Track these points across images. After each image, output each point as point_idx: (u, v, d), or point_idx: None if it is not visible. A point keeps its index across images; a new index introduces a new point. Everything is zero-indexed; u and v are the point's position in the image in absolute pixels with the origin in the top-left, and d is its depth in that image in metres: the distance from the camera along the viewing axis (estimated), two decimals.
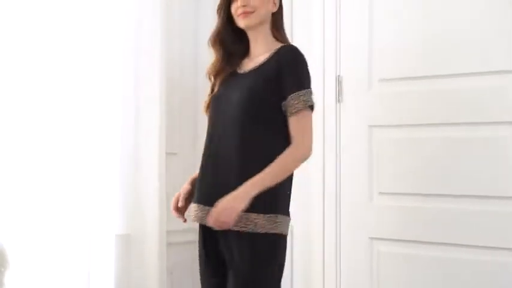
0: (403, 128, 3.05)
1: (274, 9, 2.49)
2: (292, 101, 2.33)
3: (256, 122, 2.33)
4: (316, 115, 3.03)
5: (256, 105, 2.34)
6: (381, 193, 3.10)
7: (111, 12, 3.32)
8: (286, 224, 2.37)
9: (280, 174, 2.30)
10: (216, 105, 2.46)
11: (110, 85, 3.31)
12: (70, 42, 3.15)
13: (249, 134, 2.33)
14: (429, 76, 2.98)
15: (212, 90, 2.53)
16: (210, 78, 2.56)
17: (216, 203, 2.27)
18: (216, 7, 2.54)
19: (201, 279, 2.55)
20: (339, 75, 3.21)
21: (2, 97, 2.95)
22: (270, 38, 2.49)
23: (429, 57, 2.98)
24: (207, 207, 2.36)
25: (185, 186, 2.61)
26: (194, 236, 3.66)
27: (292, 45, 2.45)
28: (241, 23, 2.45)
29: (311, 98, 2.36)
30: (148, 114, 3.38)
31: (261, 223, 2.28)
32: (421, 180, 2.99)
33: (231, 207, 2.24)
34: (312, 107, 2.37)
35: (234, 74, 2.49)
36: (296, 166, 2.35)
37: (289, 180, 2.38)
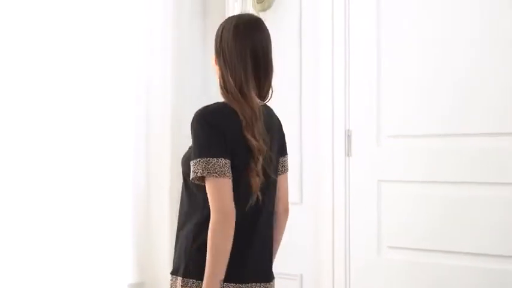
0: (412, 184, 3.10)
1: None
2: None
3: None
4: (326, 168, 3.12)
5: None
6: (389, 247, 3.16)
7: (123, 49, 3.40)
8: None
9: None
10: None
11: (123, 127, 3.40)
12: (84, 80, 3.22)
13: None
14: (437, 134, 3.04)
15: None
16: None
17: None
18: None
19: None
20: (348, 130, 3.27)
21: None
22: None
23: (438, 116, 3.04)
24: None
25: None
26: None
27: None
28: None
29: (198, 168, 2.14)
30: (159, 162, 3.45)
31: None
32: (428, 235, 3.05)
33: None
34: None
35: None
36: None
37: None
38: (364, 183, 3.22)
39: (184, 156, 2.29)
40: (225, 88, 2.26)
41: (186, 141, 3.65)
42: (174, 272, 2.25)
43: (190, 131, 2.20)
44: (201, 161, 2.13)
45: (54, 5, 3.10)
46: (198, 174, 2.13)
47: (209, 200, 2.13)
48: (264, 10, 3.62)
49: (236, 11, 3.53)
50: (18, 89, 2.98)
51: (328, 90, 3.33)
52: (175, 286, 2.21)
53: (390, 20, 3.19)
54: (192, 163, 2.15)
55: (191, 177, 2.15)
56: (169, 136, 3.46)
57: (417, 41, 3.10)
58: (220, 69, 2.29)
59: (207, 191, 2.13)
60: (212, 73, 3.71)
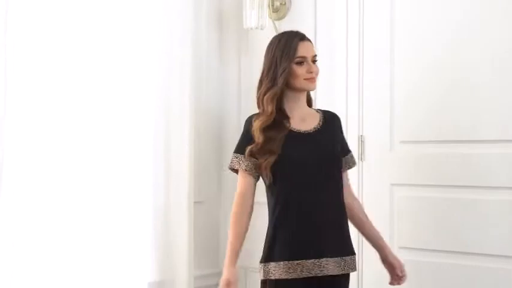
0: (423, 188, 3.24)
1: None
2: (351, 158, 2.80)
3: (337, 172, 2.70)
4: None
5: (334, 162, 2.69)
6: (400, 247, 3.28)
7: (142, 67, 3.50)
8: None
9: None
10: (302, 165, 2.63)
11: (142, 136, 3.50)
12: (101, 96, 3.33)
13: (332, 188, 2.66)
14: (448, 140, 3.18)
15: (262, 147, 2.62)
16: (257, 137, 2.64)
17: None
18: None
19: None
20: (361, 135, 3.40)
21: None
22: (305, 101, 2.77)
23: (448, 122, 3.17)
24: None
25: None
26: (215, 280, 3.85)
27: (334, 112, 2.83)
28: (309, 86, 2.69)
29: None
30: (178, 166, 3.56)
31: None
32: (439, 237, 3.18)
33: None
34: None
35: (291, 133, 2.66)
36: None
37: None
38: (377, 186, 3.35)
39: (331, 148, 2.70)
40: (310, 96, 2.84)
41: (204, 146, 3.79)
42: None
43: (339, 127, 2.78)
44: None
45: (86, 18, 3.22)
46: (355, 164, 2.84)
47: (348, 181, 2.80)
48: (279, 19, 3.76)
49: (253, 21, 3.66)
50: (46, 94, 3.11)
51: (343, 97, 3.47)
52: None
53: (404, 28, 3.32)
54: (351, 154, 2.79)
55: (351, 166, 2.79)
56: (188, 142, 3.57)
57: (430, 49, 3.23)
58: None
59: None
60: (229, 84, 3.87)
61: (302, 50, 2.64)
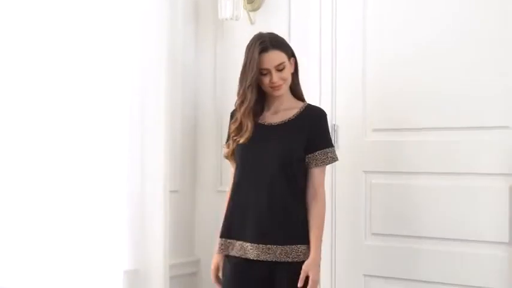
0: (395, 175, 3.30)
1: (292, 70, 2.82)
2: (319, 155, 2.75)
3: (288, 168, 2.72)
4: None
5: (290, 155, 2.72)
6: (373, 234, 3.35)
7: (116, 56, 3.52)
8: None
9: (322, 230, 2.78)
10: (250, 153, 2.77)
11: (118, 126, 3.52)
12: (77, 87, 3.34)
13: (280, 179, 2.71)
14: (419, 128, 3.24)
15: (233, 139, 2.82)
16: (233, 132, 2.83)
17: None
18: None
19: None
20: (334, 124, 3.45)
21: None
22: (290, 95, 2.85)
23: (420, 110, 3.23)
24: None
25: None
26: (191, 269, 3.89)
27: (321, 109, 2.87)
28: (276, 93, 2.78)
29: (336, 155, 2.79)
30: (154, 155, 3.57)
31: None
32: (410, 222, 3.25)
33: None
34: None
35: (260, 126, 2.80)
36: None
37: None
38: (351, 174, 3.40)
39: (289, 140, 2.75)
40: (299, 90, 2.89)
41: (179, 135, 3.81)
42: None
43: (316, 121, 2.78)
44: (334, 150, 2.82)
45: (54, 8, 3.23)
46: (335, 160, 2.81)
47: (320, 185, 2.77)
48: (254, 10, 3.79)
49: (228, 12, 3.69)
50: (14, 90, 3.12)
51: (316, 87, 3.51)
52: None
53: (376, 18, 3.37)
54: (330, 149, 2.77)
55: (328, 163, 2.77)
56: (163, 131, 3.59)
57: (403, 38, 3.29)
58: (293, 72, 2.82)
59: (321, 177, 2.78)
60: (205, 75, 3.90)
61: (264, 62, 2.73)
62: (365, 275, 3.37)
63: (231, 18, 3.72)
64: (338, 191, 3.44)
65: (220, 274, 2.85)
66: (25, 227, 3.13)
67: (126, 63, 3.55)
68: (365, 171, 3.38)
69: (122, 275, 3.47)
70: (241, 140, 2.77)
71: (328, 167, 3.22)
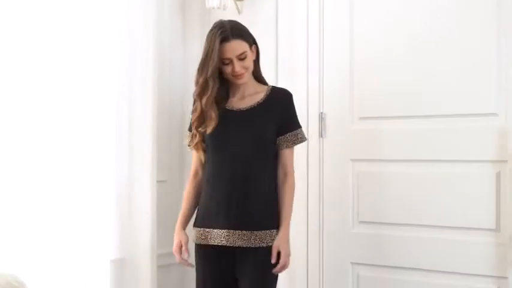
0: (383, 163, 3.30)
1: (254, 57, 2.83)
2: (290, 137, 2.79)
3: (263, 151, 2.76)
4: (301, 149, 3.29)
5: (265, 137, 2.76)
6: (361, 222, 3.36)
7: (103, 47, 3.49)
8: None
9: (292, 207, 2.84)
10: (223, 140, 2.77)
11: (106, 117, 3.50)
12: (65, 74, 3.32)
13: (257, 164, 2.75)
14: (405, 116, 3.25)
15: (197, 129, 2.82)
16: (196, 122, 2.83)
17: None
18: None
19: None
20: (321, 112, 3.45)
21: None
22: (253, 80, 2.87)
23: (407, 98, 3.24)
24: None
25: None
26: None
27: (286, 89, 2.89)
28: (239, 82, 2.79)
29: (304, 135, 2.84)
30: (141, 145, 3.57)
31: None
32: (398, 210, 3.26)
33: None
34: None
35: (228, 111, 2.81)
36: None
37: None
38: (338, 162, 3.41)
39: (260, 125, 2.77)
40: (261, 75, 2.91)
41: (166, 126, 3.79)
42: None
43: (284, 103, 2.82)
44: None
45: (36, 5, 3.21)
46: (304, 139, 2.86)
47: (291, 164, 2.83)
48: None
49: (215, 1, 3.68)
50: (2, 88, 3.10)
51: (303, 75, 3.51)
52: None
53: (363, 5, 3.37)
54: (299, 130, 2.83)
55: (298, 143, 2.82)
56: (151, 122, 3.59)
57: (390, 26, 3.30)
58: (254, 59, 2.82)
59: (291, 156, 2.83)
60: (192, 64, 3.87)
61: (226, 52, 2.74)
62: (352, 263, 3.38)
63: (219, 8, 3.71)
64: (325, 179, 3.44)
65: (183, 252, 2.89)
66: (10, 217, 3.11)
67: (113, 54, 3.54)
68: (352, 160, 3.38)
69: (108, 264, 3.46)
70: (209, 130, 2.78)
71: (315, 156, 3.24)
